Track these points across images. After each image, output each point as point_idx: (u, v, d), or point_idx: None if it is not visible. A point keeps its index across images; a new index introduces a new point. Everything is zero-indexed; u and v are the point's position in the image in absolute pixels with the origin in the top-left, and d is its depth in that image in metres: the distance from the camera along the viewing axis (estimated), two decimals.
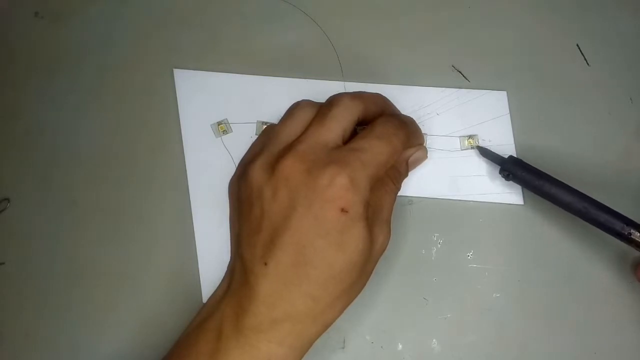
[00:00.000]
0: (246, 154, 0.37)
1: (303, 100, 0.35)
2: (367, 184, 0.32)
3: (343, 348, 0.37)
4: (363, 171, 0.32)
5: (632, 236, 0.32)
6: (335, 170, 0.31)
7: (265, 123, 0.38)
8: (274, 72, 0.39)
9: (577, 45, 0.38)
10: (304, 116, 0.34)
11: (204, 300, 0.38)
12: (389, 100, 0.37)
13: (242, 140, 0.38)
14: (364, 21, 0.40)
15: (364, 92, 0.36)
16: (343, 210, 0.31)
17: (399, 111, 0.38)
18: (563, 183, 0.34)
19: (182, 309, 0.37)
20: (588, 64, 0.38)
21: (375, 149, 0.33)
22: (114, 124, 0.40)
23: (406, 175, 0.37)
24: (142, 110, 0.40)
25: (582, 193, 0.33)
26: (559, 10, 0.39)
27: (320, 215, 0.31)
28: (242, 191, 0.34)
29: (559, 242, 0.37)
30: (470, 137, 0.38)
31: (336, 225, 0.31)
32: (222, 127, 0.38)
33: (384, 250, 0.34)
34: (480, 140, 0.38)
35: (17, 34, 0.41)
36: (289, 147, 0.33)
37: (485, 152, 0.37)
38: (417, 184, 0.38)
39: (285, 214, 0.32)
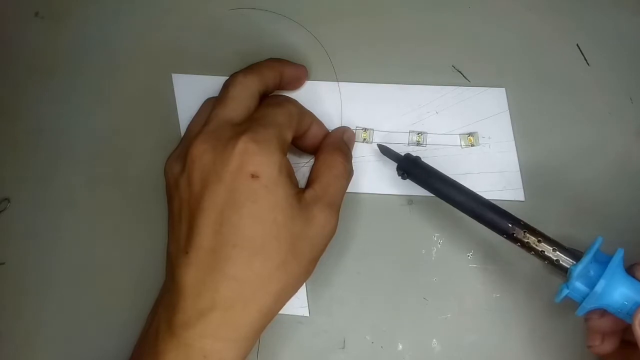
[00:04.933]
0: None
1: (207, 98, 0.37)
2: (275, 144, 0.31)
3: (343, 348, 0.37)
4: (266, 133, 0.31)
5: (515, 235, 0.32)
6: (238, 139, 0.31)
7: None
8: None
9: (577, 45, 0.39)
10: (208, 107, 0.35)
11: None
12: (284, 60, 0.38)
13: None
14: (365, 21, 0.40)
15: (258, 63, 0.36)
16: (254, 175, 0.30)
17: (295, 66, 0.38)
18: (456, 183, 0.33)
19: None
20: (588, 64, 0.38)
21: (271, 113, 0.33)
22: (113, 124, 0.40)
23: (350, 155, 0.37)
24: (142, 111, 0.40)
25: (473, 193, 0.33)
26: (559, 10, 0.39)
27: (232, 188, 0.30)
28: (166, 190, 0.34)
29: (560, 239, 0.37)
30: (470, 134, 0.38)
31: (249, 195, 0.30)
32: None
33: (329, 234, 0.33)
34: (480, 138, 0.38)
35: (17, 34, 0.41)
36: (196, 134, 0.33)
37: (384, 150, 0.36)
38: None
39: (199, 196, 0.31)
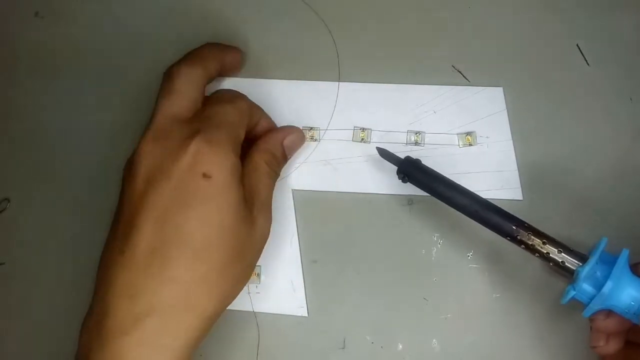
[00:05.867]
0: None
1: None
2: (228, 145, 0.30)
3: (343, 348, 0.37)
4: (219, 133, 0.30)
5: (520, 237, 0.31)
6: (191, 138, 0.30)
7: None
8: (271, 75, 0.39)
9: (577, 45, 0.38)
10: None
11: None
12: (222, 45, 0.37)
13: None
14: (364, 21, 0.40)
15: (199, 50, 0.36)
16: (205, 175, 0.29)
17: (234, 49, 0.38)
18: (458, 186, 0.33)
19: None
20: (588, 64, 0.38)
21: (222, 111, 0.32)
22: (114, 124, 0.40)
23: (284, 159, 0.36)
24: (142, 111, 0.40)
25: (476, 196, 0.32)
26: (559, 10, 0.39)
27: (181, 186, 0.29)
28: None
29: (558, 239, 0.37)
30: (468, 134, 0.38)
31: (199, 194, 0.29)
32: None
33: (266, 238, 0.33)
34: (478, 137, 0.38)
35: (17, 34, 0.41)
36: (143, 132, 0.32)
37: (383, 153, 0.35)
38: None
39: (142, 194, 0.29)
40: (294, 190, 0.38)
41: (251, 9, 0.40)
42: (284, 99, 0.39)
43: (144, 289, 0.28)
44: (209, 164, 0.29)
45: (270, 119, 0.37)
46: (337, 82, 0.39)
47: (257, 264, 0.37)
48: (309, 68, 0.39)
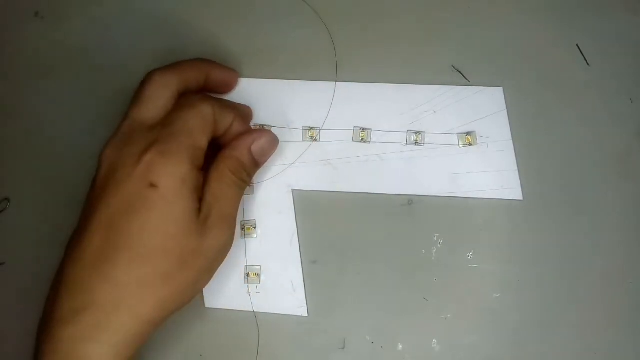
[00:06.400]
0: None
1: None
2: (184, 156, 0.31)
3: (343, 348, 0.37)
4: (174, 142, 0.31)
5: None
6: (147, 147, 0.30)
7: (263, 126, 0.38)
8: (271, 75, 0.39)
9: (577, 45, 0.39)
10: None
11: (207, 305, 0.38)
12: (212, 62, 0.37)
13: None
14: (364, 21, 0.40)
15: (181, 61, 0.35)
16: (152, 185, 0.30)
17: (224, 69, 0.37)
18: None
19: (183, 313, 0.37)
20: (588, 64, 0.38)
21: (183, 117, 0.32)
22: (113, 125, 0.40)
23: (255, 166, 0.35)
24: None
25: None
26: (559, 10, 0.39)
27: (129, 193, 0.30)
28: None
29: (558, 239, 0.37)
30: (468, 134, 0.38)
31: (144, 203, 0.30)
32: None
33: (224, 248, 0.33)
34: (478, 137, 0.38)
35: (17, 34, 0.41)
36: (111, 136, 0.32)
37: None
38: (416, 182, 0.38)
39: (98, 196, 0.31)
40: (294, 190, 0.38)
41: (250, 8, 0.40)
42: (284, 99, 0.39)
43: (85, 286, 0.30)
44: (158, 174, 0.30)
45: (245, 122, 0.36)
46: (337, 82, 0.39)
47: (259, 265, 0.37)
48: (308, 68, 0.39)
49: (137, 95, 0.33)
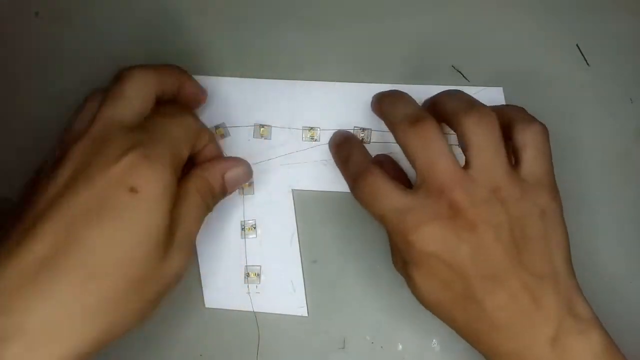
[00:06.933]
0: None
1: (93, 89, 0.32)
2: (168, 162, 0.28)
3: (343, 348, 0.37)
4: (159, 147, 0.28)
5: None
6: (128, 148, 0.27)
7: (263, 126, 0.38)
8: (271, 75, 0.39)
9: (577, 45, 0.38)
10: (95, 103, 0.30)
11: (207, 305, 0.38)
12: (186, 72, 0.34)
13: (240, 144, 0.38)
14: (364, 21, 0.40)
15: (160, 64, 0.33)
16: (132, 189, 0.26)
17: (197, 83, 0.35)
18: None
19: (183, 314, 0.37)
20: (588, 64, 0.38)
21: (167, 125, 0.30)
22: None
23: (222, 193, 0.33)
24: None
25: None
26: (559, 10, 0.39)
27: (101, 196, 0.26)
28: None
29: None
30: None
31: (117, 208, 0.26)
32: (220, 131, 0.38)
33: (176, 278, 0.29)
34: None
35: (17, 34, 0.41)
36: (80, 136, 0.28)
37: None
38: None
39: (57, 195, 0.26)
40: (294, 190, 0.38)
41: (248, 8, 0.40)
42: (284, 99, 0.39)
43: (16, 304, 0.25)
44: (141, 178, 0.27)
45: (219, 148, 0.35)
46: (337, 83, 0.39)
47: (259, 265, 0.37)
48: (307, 68, 0.39)
49: (113, 91, 0.30)
